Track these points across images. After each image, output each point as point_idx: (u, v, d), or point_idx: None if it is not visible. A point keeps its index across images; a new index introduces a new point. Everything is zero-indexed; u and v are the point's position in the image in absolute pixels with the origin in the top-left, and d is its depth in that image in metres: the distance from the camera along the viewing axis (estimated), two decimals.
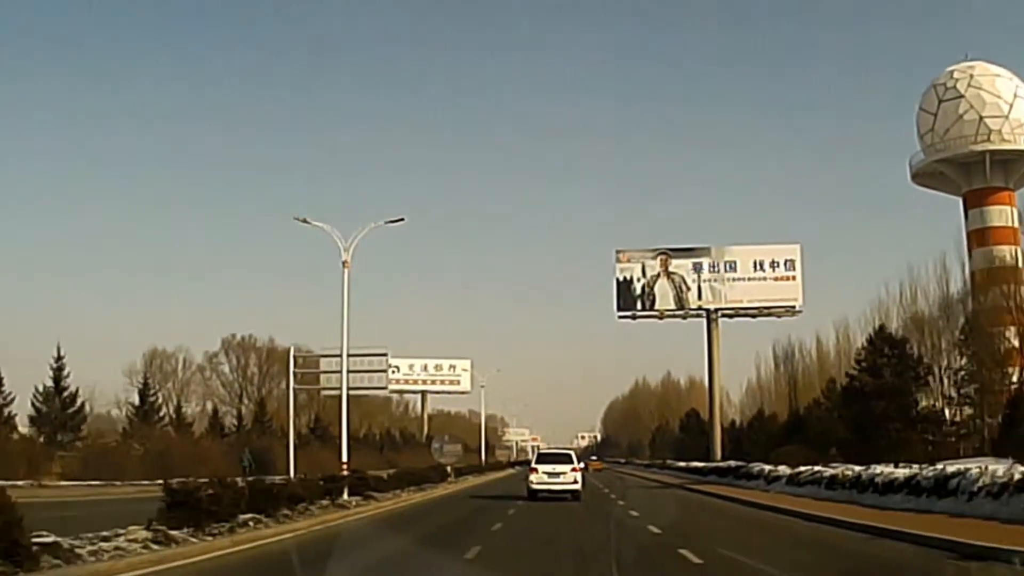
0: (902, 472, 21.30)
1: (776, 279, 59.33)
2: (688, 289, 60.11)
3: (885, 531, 15.25)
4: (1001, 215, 57.38)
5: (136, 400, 56.66)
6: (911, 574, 11.87)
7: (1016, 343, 41.16)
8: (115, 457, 41.39)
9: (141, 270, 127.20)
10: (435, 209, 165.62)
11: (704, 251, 61.16)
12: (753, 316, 60.29)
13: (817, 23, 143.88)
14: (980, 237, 56.75)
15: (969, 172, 59.60)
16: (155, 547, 11.90)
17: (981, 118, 58.61)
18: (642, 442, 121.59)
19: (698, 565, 11.88)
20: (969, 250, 57.02)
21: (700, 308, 60.04)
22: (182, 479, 20.33)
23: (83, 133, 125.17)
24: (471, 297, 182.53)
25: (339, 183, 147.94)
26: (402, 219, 27.89)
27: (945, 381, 41.98)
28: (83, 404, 49.08)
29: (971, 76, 59.70)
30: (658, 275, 60.54)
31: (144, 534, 12.23)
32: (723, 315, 60.19)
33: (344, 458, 27.29)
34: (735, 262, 60.14)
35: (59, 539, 10.18)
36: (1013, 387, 38.75)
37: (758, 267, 59.69)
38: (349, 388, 29.71)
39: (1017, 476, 16.15)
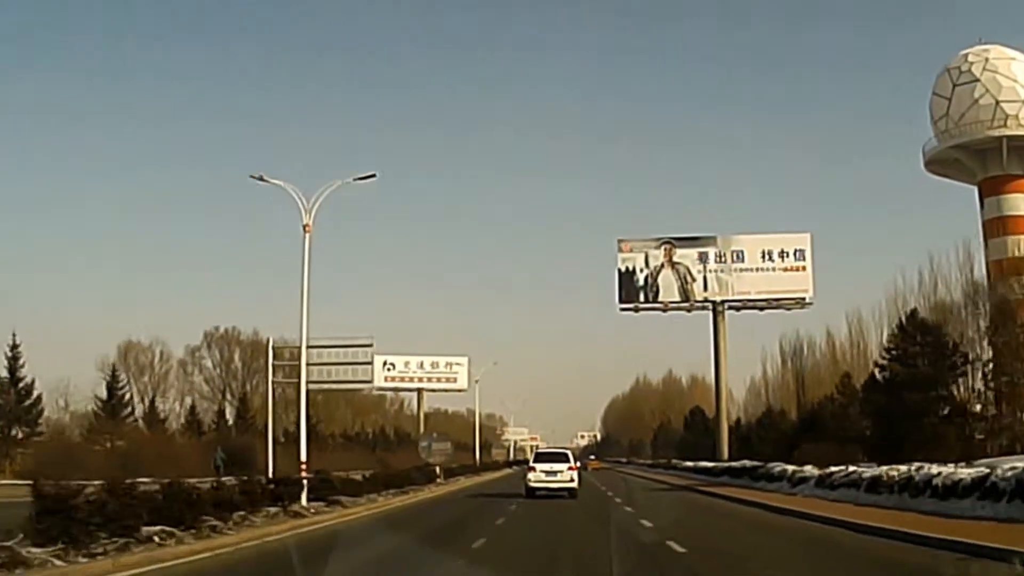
0: (967, 472, 18.75)
1: (786, 269, 56.76)
2: (693, 280, 57.55)
3: (994, 550, 11.91)
4: (1019, 203, 55.22)
5: (104, 394, 52.58)
6: None
7: None
8: (76, 455, 37.96)
9: (121, 263, 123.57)
10: (433, 202, 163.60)
11: (710, 240, 58.55)
12: (761, 308, 57.79)
13: (827, 8, 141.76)
14: (997, 226, 54.61)
15: (985, 159, 57.18)
16: None
17: (997, 103, 56.10)
18: (644, 441, 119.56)
19: None
20: (985, 240, 54.99)
21: (706, 300, 57.47)
22: (144, 479, 17.67)
23: (57, 124, 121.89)
24: (469, 293, 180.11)
25: (339, 183, 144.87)
26: (373, 175, 26.33)
27: (973, 373, 39.71)
28: (40, 396, 45.42)
29: (986, 60, 57.19)
30: (662, 265, 58.01)
31: None
32: (730, 307, 57.58)
33: (303, 457, 23.52)
34: (743, 252, 57.54)
35: None
36: None
37: (767, 257, 57.10)
38: (332, 381, 27.08)
39: None
